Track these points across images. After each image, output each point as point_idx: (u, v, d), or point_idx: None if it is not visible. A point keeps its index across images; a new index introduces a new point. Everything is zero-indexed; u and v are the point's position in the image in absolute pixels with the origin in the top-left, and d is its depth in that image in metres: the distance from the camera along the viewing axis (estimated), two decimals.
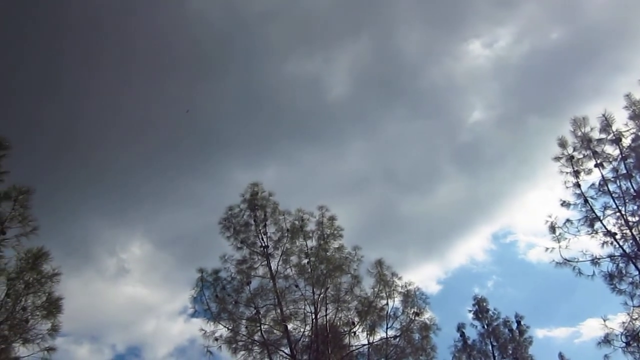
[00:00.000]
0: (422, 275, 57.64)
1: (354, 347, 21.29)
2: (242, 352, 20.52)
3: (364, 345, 21.19)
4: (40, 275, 13.01)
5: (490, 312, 29.87)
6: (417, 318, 21.31)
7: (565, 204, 20.26)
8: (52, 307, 13.12)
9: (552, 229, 20.08)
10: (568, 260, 19.73)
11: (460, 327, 29.37)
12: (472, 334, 29.32)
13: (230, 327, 20.77)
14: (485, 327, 29.45)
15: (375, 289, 21.41)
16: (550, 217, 20.15)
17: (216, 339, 20.47)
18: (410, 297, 21.59)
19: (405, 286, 21.67)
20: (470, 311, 30.14)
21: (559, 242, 19.91)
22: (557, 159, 20.34)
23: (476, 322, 29.65)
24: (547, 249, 20.08)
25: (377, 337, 21.34)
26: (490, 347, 28.86)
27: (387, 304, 21.39)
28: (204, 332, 20.55)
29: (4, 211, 13.30)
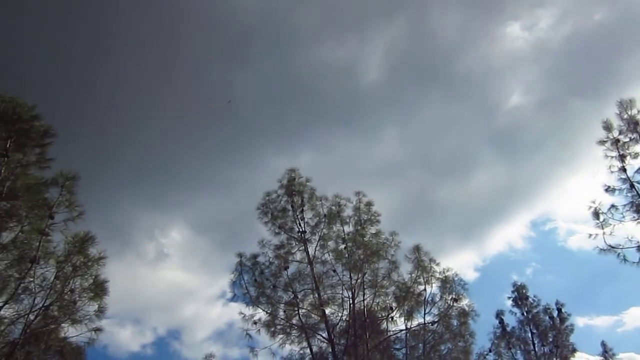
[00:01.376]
0: (459, 262, 57.16)
1: (391, 332, 21.36)
2: (281, 336, 20.77)
3: (402, 330, 21.24)
4: (87, 259, 13.38)
5: (530, 299, 29.41)
6: (455, 304, 21.19)
7: (609, 190, 19.63)
8: (99, 289, 13.49)
9: (596, 214, 19.50)
10: (612, 247, 19.17)
11: (499, 314, 28.99)
12: (511, 321, 28.96)
13: (268, 311, 21.04)
14: (525, 314, 29.02)
15: (413, 275, 21.37)
16: (593, 202, 19.60)
17: (255, 323, 20.75)
18: (449, 283, 21.46)
19: (443, 272, 21.57)
20: (509, 298, 29.77)
21: (602, 228, 19.34)
22: (602, 142, 19.69)
23: (515, 309, 29.26)
24: (590, 235, 19.54)
25: (415, 322, 21.37)
26: (529, 334, 28.44)
27: (424, 289, 21.37)
28: (242, 315, 20.88)
29: (52, 197, 13.72)
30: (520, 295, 29.54)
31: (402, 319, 21.16)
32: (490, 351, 22.42)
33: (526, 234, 67.36)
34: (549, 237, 67.84)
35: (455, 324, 21.37)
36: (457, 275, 21.62)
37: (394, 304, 21.01)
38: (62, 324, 13.43)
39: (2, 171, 13.40)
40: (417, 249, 21.65)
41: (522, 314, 29.07)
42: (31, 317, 12.59)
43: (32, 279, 12.73)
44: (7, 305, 12.69)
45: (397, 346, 22.05)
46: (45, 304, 12.67)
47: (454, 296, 21.23)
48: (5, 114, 13.88)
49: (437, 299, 21.44)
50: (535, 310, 29.02)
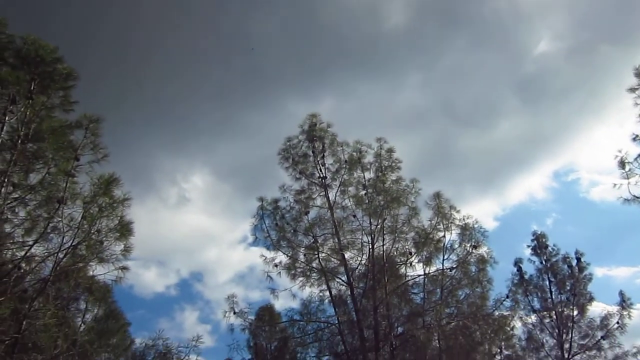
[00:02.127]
0: (479, 211, 57.31)
1: (409, 277, 21.67)
2: (301, 279, 21.21)
3: (420, 275, 21.54)
4: (112, 200, 13.58)
5: (549, 248, 29.47)
6: (474, 251, 21.31)
7: (637, 138, 19.20)
8: (124, 229, 13.76)
9: (622, 164, 19.10)
10: (637, 197, 18.91)
11: (517, 262, 29.20)
12: (529, 269, 29.16)
13: (289, 255, 21.41)
14: (544, 262, 29.15)
15: (433, 221, 21.46)
16: (619, 152, 19.20)
17: (275, 265, 21.16)
18: (468, 230, 21.53)
19: (463, 219, 21.62)
20: (528, 247, 29.87)
21: (627, 178, 19.03)
22: (632, 90, 19.07)
23: (534, 258, 29.42)
24: (614, 185, 19.27)
25: (433, 268, 21.61)
26: (547, 282, 28.65)
27: (444, 236, 21.51)
28: (264, 258, 21.30)
29: (76, 139, 13.86)
30: (539, 244, 29.59)
31: (421, 264, 21.46)
32: (507, 297, 22.58)
33: (548, 184, 66.85)
34: (571, 188, 67.30)
35: (474, 271, 21.57)
36: (476, 222, 21.69)
37: (412, 250, 21.21)
38: (90, 263, 13.78)
39: (28, 113, 13.52)
40: (437, 196, 21.65)
41: (541, 263, 29.23)
42: (60, 255, 12.95)
43: (60, 219, 13.03)
44: (37, 244, 13.07)
45: (415, 290, 22.44)
46: (73, 243, 13.00)
47: (473, 243, 21.34)
48: (28, 55, 13.88)
49: (456, 246, 21.64)
50: (554, 259, 29.11)
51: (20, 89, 13.19)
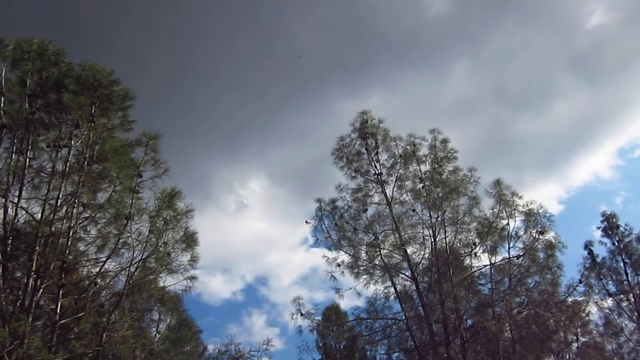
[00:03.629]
0: (542, 196, 55.44)
1: (475, 268, 21.24)
2: (364, 276, 21.23)
3: (486, 265, 21.08)
4: (176, 212, 14.04)
5: (621, 229, 28.22)
6: (540, 237, 20.69)
7: None
8: (189, 240, 14.19)
9: None
10: None
11: (587, 245, 28.08)
12: (600, 251, 28.00)
13: (351, 253, 21.49)
14: (616, 244, 27.95)
15: (495, 210, 20.98)
16: None
17: (338, 265, 21.28)
18: (533, 216, 20.94)
19: (527, 205, 21.04)
20: (598, 228, 28.75)
21: None
22: None
23: (605, 239, 28.29)
24: None
25: (499, 257, 21.13)
26: (622, 264, 27.48)
27: (507, 224, 21.00)
28: (326, 258, 21.44)
29: (137, 156, 14.40)
30: (610, 225, 28.38)
31: (486, 254, 21.03)
32: (580, 282, 21.74)
33: (614, 162, 64.02)
34: (638, 164, 64.05)
35: (542, 257, 20.94)
36: (541, 207, 21.04)
37: (476, 240, 20.82)
38: (160, 274, 14.26)
39: (91, 136, 14.13)
40: (497, 183, 21.14)
41: (613, 244, 28.04)
42: (132, 269, 13.47)
43: (129, 234, 13.57)
44: (109, 260, 13.66)
45: (482, 281, 21.94)
46: (143, 257, 13.50)
47: (539, 229, 20.72)
48: (87, 81, 14.49)
49: (521, 233, 21.07)
50: (627, 240, 27.89)
51: (82, 113, 13.79)
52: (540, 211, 20.92)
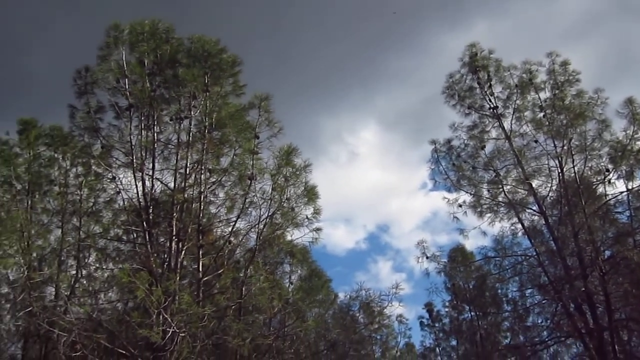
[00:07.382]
0: None
1: (610, 196, 19.82)
2: (488, 215, 20.68)
3: (622, 192, 19.54)
4: (295, 169, 14.62)
5: None
6: None
7: None
8: (310, 194, 14.75)
9: None
10: None
11: None
12: None
13: (472, 193, 21.01)
14: None
15: (629, 131, 19.17)
16: None
17: (460, 206, 20.93)
18: None
19: None
20: None
21: None
22: None
23: None
24: None
25: (637, 182, 19.51)
26: None
27: None
28: (447, 200, 21.15)
29: (252, 119, 15.01)
30: None
31: (621, 180, 19.48)
32: None
33: None
34: None
35: None
36: None
37: (609, 166, 19.34)
38: (287, 229, 15.01)
39: (208, 105, 14.92)
40: (629, 101, 19.22)
41: None
42: (260, 226, 14.36)
43: (254, 194, 14.41)
44: (239, 219, 14.65)
45: (619, 209, 20.47)
46: (269, 214, 14.34)
47: None
48: (197, 52, 15.19)
49: None
50: None
51: (197, 84, 14.57)
52: None
